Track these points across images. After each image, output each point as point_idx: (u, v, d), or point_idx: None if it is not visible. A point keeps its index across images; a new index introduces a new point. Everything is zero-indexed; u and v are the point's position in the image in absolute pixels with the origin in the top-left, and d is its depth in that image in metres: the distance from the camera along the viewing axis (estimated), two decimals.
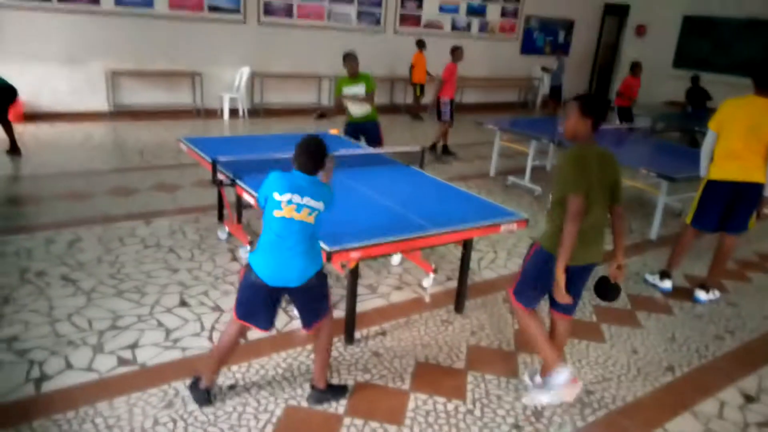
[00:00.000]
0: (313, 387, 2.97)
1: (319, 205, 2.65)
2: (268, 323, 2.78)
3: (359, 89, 5.93)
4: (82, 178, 6.20)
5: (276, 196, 2.62)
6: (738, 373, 3.59)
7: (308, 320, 2.83)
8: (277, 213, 2.61)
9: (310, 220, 2.63)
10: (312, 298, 2.78)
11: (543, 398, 3.00)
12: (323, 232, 3.00)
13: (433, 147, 8.43)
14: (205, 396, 2.86)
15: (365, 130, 6.00)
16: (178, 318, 3.64)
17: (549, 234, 2.84)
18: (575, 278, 2.85)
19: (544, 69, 12.69)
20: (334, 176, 2.99)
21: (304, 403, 2.96)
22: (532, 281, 2.94)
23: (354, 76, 5.92)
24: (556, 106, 12.46)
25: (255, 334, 3.52)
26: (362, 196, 4.00)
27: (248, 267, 2.67)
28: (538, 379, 3.19)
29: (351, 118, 6.08)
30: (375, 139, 5.99)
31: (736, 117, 4.09)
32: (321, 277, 2.76)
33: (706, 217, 4.36)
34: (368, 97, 5.95)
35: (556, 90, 12.31)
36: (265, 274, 2.62)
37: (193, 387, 2.90)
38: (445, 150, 8.49)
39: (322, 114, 6.27)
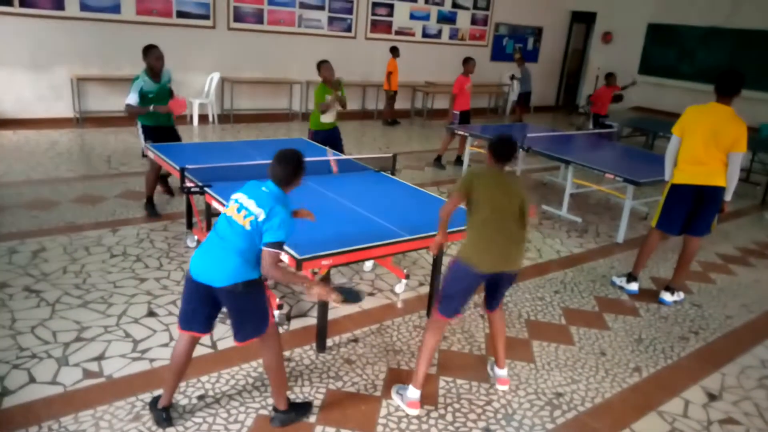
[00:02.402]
0: (274, 409, 2.87)
1: (258, 211, 2.49)
2: (201, 324, 2.68)
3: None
4: (47, 186, 6.06)
5: (233, 195, 2.64)
6: (702, 372, 3.68)
7: (237, 333, 2.69)
8: (223, 209, 2.64)
9: (245, 224, 2.51)
10: (240, 309, 2.64)
11: (396, 400, 3.12)
12: (293, 240, 2.99)
13: (456, 159, 8.47)
14: (162, 416, 2.76)
15: (332, 136, 6.15)
16: (146, 328, 3.58)
17: (463, 245, 3.04)
18: (490, 284, 3.12)
19: (512, 77, 12.89)
20: (304, 187, 2.93)
21: None
22: (455, 292, 3.03)
23: (330, 84, 6.07)
24: (523, 111, 12.63)
25: (225, 343, 3.48)
26: (333, 202, 4.00)
27: None
28: (497, 370, 3.34)
29: (319, 125, 6.15)
30: (338, 145, 6.15)
31: (698, 123, 4.21)
32: (252, 290, 2.59)
33: (670, 220, 4.46)
34: (343, 102, 6.15)
35: (524, 96, 12.48)
36: (193, 267, 2.59)
37: (152, 406, 2.82)
38: (458, 160, 8.46)
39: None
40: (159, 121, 5.50)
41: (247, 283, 2.55)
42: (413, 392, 3.05)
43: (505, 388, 3.31)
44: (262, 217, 2.49)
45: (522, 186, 3.07)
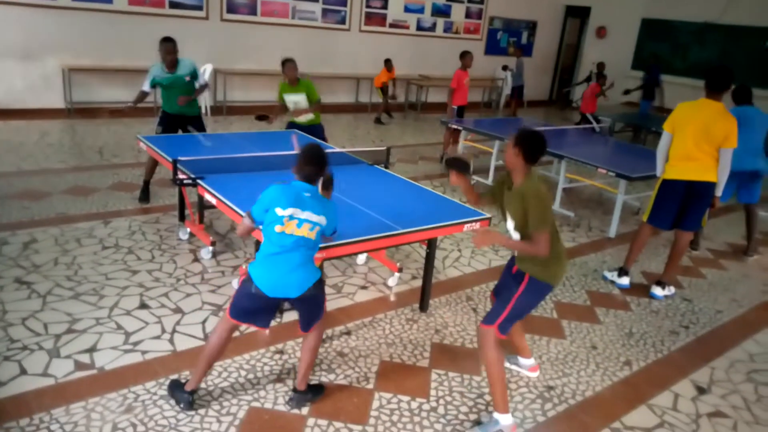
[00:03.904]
0: (294, 389, 2.96)
1: (321, 219, 2.67)
2: (265, 323, 2.86)
3: (299, 98, 5.84)
4: (38, 177, 6.02)
5: (278, 211, 2.61)
6: (691, 366, 3.71)
7: (307, 325, 2.88)
8: (278, 228, 2.61)
9: (311, 235, 2.65)
10: (311, 306, 2.82)
11: None
12: None
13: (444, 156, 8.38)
14: (188, 398, 2.82)
15: (309, 133, 5.93)
16: (138, 320, 3.57)
17: (542, 265, 2.81)
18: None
19: (505, 68, 12.92)
20: None
21: (268, 405, 2.94)
22: (525, 312, 2.94)
23: (293, 84, 5.84)
24: (518, 105, 12.68)
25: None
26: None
27: (248, 277, 2.67)
28: (524, 360, 3.40)
29: (292, 121, 6.08)
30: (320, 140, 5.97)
31: (689, 119, 4.23)
32: (319, 286, 2.78)
33: (661, 215, 4.49)
34: (315, 106, 5.89)
35: (518, 89, 12.53)
36: (265, 286, 2.64)
37: (175, 387, 2.86)
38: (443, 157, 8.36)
39: (261, 116, 6.02)
40: (174, 108, 5.65)
41: (316, 283, 2.72)
42: (506, 419, 2.85)
43: (537, 374, 3.40)
44: (324, 222, 2.70)
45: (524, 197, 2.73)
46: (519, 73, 12.35)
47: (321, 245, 2.86)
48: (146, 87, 5.50)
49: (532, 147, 2.69)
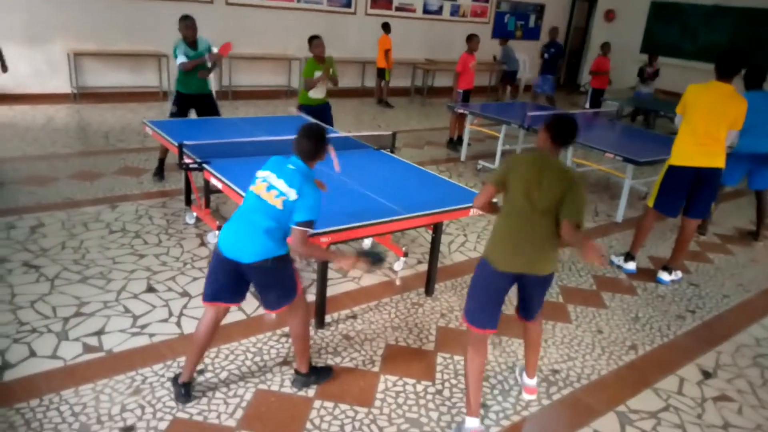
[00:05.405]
0: (296, 371, 2.98)
1: (290, 192, 2.55)
2: (230, 296, 2.72)
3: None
4: (45, 162, 6.03)
5: (258, 173, 2.66)
6: (697, 350, 3.71)
7: (266, 303, 2.80)
8: (251, 187, 2.66)
9: (277, 203, 2.56)
10: (268, 283, 2.71)
11: None
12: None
13: (450, 141, 8.34)
14: (180, 391, 2.80)
15: (319, 111, 6.06)
16: (146, 304, 3.59)
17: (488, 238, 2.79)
18: (519, 288, 2.83)
19: (494, 58, 12.88)
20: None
21: (274, 387, 2.97)
22: (477, 295, 2.78)
23: (320, 61, 5.99)
24: (504, 89, 12.70)
25: (225, 319, 3.48)
26: (333, 180, 3.98)
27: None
28: (525, 378, 3.12)
29: (307, 100, 6.15)
30: (327, 121, 6.10)
31: (699, 102, 4.17)
32: (280, 264, 2.65)
33: (668, 202, 4.44)
34: (334, 80, 6.05)
35: (509, 74, 12.53)
36: (222, 244, 2.62)
37: (175, 382, 2.86)
38: (459, 140, 8.29)
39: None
40: (191, 88, 5.73)
41: (275, 258, 2.61)
42: (472, 422, 2.74)
43: (533, 397, 3.08)
44: (294, 196, 2.55)
45: (568, 180, 2.58)
46: (506, 60, 12.36)
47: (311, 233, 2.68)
48: (185, 59, 5.51)
49: (561, 130, 2.63)
